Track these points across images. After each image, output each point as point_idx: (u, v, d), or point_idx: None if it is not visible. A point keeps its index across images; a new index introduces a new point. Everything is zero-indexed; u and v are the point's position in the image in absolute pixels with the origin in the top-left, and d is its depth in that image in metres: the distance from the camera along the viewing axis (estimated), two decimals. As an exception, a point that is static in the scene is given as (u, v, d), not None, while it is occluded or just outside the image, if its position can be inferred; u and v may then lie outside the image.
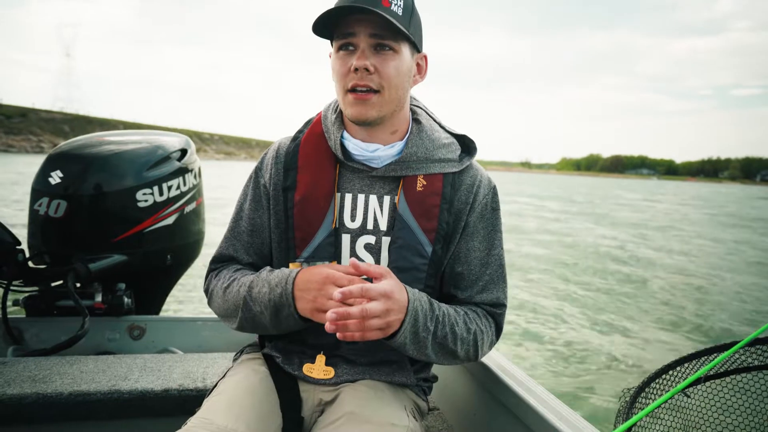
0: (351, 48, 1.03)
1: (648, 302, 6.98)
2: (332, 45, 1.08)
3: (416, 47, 1.07)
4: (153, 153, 2.01)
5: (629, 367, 4.37)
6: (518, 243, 11.72)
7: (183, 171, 2.08)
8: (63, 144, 2.02)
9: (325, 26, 1.04)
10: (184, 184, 2.08)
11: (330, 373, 1.10)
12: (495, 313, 1.15)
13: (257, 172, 1.20)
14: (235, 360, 1.23)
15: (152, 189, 1.97)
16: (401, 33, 1.00)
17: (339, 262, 1.10)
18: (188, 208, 2.10)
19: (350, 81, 1.02)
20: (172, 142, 2.10)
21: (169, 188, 2.02)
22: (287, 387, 1.09)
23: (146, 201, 1.96)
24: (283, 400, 1.07)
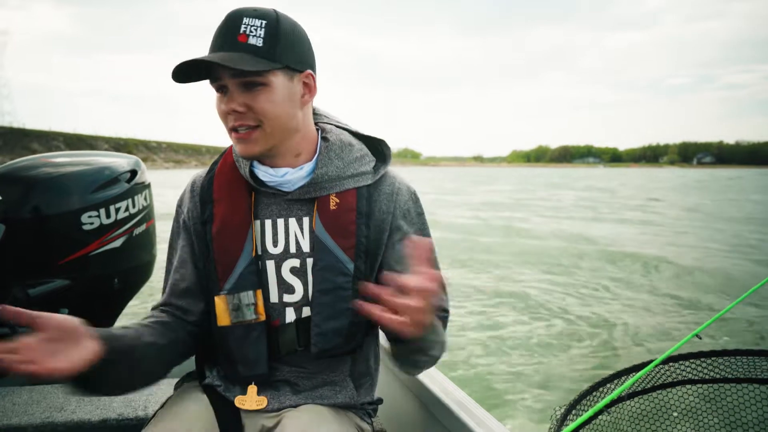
0: (225, 90, 1.01)
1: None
2: None
3: (294, 69, 1.02)
4: (100, 174, 1.96)
5: (566, 384, 4.37)
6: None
7: (132, 192, 2.04)
8: (3, 165, 1.95)
9: (195, 74, 1.01)
10: (134, 206, 2.04)
11: (263, 402, 1.08)
12: (443, 317, 1.11)
13: (178, 209, 1.18)
14: (176, 388, 1.21)
15: (98, 211, 1.91)
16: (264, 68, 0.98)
17: (266, 290, 1.09)
18: (138, 231, 2.06)
19: (230, 122, 1.02)
20: (121, 163, 2.05)
21: (117, 210, 1.97)
22: (227, 416, 1.08)
23: (92, 224, 1.90)
24: (224, 429, 1.05)
